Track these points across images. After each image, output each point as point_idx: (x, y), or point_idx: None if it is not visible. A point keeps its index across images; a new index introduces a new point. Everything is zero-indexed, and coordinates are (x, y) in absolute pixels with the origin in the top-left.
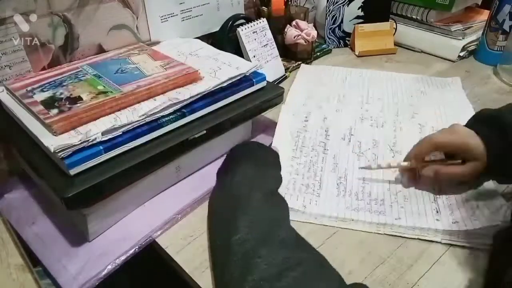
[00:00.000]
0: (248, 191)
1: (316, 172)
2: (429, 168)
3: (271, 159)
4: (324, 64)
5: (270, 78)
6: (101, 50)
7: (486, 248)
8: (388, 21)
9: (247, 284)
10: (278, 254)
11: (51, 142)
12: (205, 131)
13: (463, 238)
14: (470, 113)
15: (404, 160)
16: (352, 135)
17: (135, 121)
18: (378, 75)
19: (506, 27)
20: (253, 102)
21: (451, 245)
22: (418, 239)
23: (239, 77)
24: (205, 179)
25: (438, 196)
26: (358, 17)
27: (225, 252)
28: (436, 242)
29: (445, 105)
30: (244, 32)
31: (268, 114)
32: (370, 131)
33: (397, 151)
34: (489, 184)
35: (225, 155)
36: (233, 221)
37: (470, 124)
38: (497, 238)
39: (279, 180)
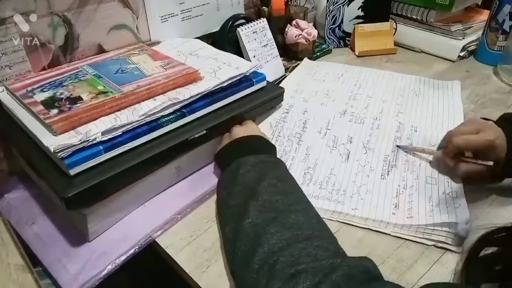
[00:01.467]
0: (256, 180)
1: (287, 161)
2: (453, 161)
3: (264, 145)
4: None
5: (270, 78)
6: (101, 50)
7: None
8: (388, 21)
9: (258, 256)
10: (288, 231)
11: (51, 142)
12: (205, 131)
13: (413, 233)
14: (459, 118)
15: (437, 149)
16: (328, 129)
17: (135, 121)
18: (377, 74)
19: (506, 27)
20: (253, 102)
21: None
22: (368, 229)
23: (239, 77)
24: (205, 179)
25: (401, 192)
26: (358, 17)
27: (236, 233)
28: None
29: (434, 107)
30: (244, 32)
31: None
32: (347, 127)
33: (370, 148)
34: (456, 186)
35: (220, 149)
36: (244, 208)
37: (498, 122)
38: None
39: (280, 164)
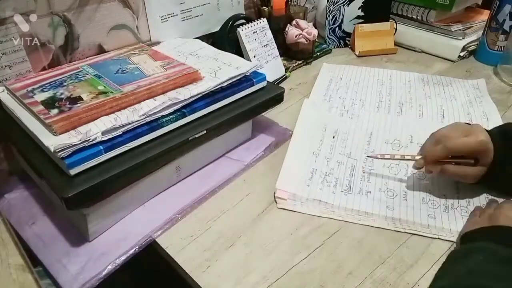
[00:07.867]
0: None
1: (346, 170)
2: (438, 166)
3: None
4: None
5: (270, 78)
6: (101, 50)
7: None
8: (388, 21)
9: None
10: None
11: (51, 142)
12: (205, 131)
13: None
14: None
15: (418, 153)
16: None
17: (135, 121)
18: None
19: (506, 27)
20: (253, 102)
21: (452, 244)
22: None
23: (239, 77)
24: (205, 179)
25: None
26: (358, 17)
27: None
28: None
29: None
30: (244, 32)
31: (268, 114)
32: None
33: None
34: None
35: None
36: None
37: (492, 131)
38: None
39: None
